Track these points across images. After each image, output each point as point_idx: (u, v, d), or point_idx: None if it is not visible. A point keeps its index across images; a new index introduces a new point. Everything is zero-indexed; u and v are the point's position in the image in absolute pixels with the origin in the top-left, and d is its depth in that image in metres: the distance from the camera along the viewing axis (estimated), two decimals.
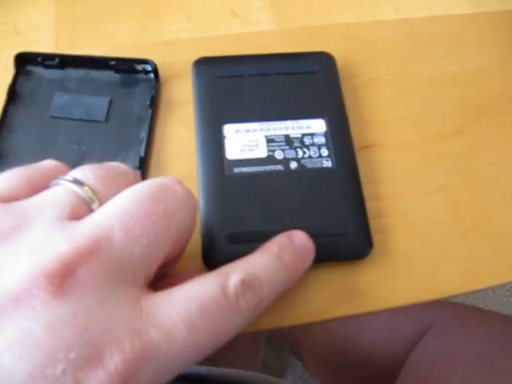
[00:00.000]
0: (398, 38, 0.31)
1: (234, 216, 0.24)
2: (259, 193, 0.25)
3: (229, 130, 0.26)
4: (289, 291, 0.23)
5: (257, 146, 0.26)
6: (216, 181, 0.25)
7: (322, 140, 0.26)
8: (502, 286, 0.26)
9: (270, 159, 0.26)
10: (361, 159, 0.27)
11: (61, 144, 0.26)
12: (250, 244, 0.22)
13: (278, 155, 0.26)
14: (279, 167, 0.25)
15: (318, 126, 0.27)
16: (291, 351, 0.72)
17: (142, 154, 0.26)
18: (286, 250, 0.21)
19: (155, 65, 0.28)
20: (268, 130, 0.26)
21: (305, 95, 0.27)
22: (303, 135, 0.26)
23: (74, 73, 0.28)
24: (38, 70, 0.28)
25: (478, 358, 0.44)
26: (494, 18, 0.33)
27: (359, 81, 0.30)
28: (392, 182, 0.27)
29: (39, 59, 0.28)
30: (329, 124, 0.27)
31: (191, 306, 0.17)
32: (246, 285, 0.18)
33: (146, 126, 0.27)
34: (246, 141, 0.26)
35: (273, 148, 0.26)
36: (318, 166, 0.26)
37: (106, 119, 0.27)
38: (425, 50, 0.31)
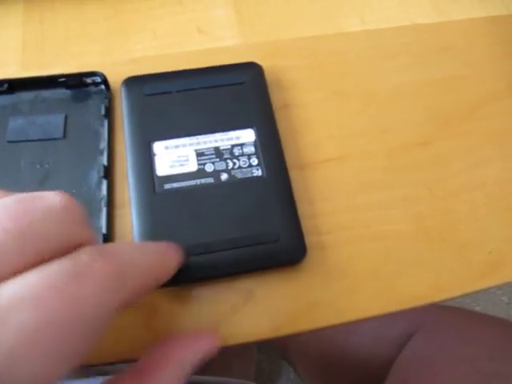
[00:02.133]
0: (364, 49, 0.32)
1: (166, 232, 0.24)
2: (191, 207, 0.25)
3: (158, 147, 0.26)
4: (250, 307, 0.24)
5: (187, 160, 0.26)
6: (147, 198, 0.25)
7: (252, 149, 0.27)
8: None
9: (200, 173, 0.26)
10: (322, 173, 0.27)
11: (23, 167, 0.27)
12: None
13: (209, 168, 0.26)
14: (210, 180, 0.26)
15: (247, 135, 0.27)
16: (281, 355, 0.72)
17: (105, 162, 0.27)
18: None
19: (104, 76, 0.28)
20: (198, 143, 0.27)
21: (233, 106, 0.28)
22: (233, 146, 0.27)
23: (24, 96, 0.29)
24: None
25: (463, 360, 0.44)
26: (461, 27, 0.33)
27: (324, 94, 0.30)
28: (354, 196, 0.27)
29: None
30: (258, 133, 0.27)
31: None
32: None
33: (104, 136, 0.28)
34: (175, 156, 0.26)
35: (203, 161, 0.26)
36: (249, 175, 0.26)
37: (64, 135, 0.28)
38: (391, 60, 0.31)
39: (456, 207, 0.28)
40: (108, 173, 0.27)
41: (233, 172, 0.26)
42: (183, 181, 0.26)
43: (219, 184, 0.26)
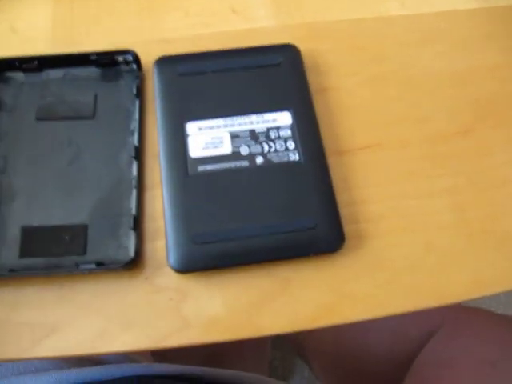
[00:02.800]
0: (403, 34, 0.30)
1: (199, 216, 0.24)
2: (225, 190, 0.24)
3: (192, 127, 0.26)
4: (287, 296, 0.23)
5: (221, 142, 0.25)
6: (180, 180, 0.24)
7: (289, 133, 0.26)
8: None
9: (235, 155, 0.25)
10: (360, 160, 0.26)
11: (52, 146, 0.26)
12: (215, 244, 0.23)
13: (244, 151, 0.25)
14: (245, 163, 0.25)
15: (284, 118, 0.26)
16: (297, 352, 0.71)
17: (136, 143, 0.26)
18: None
19: (136, 54, 0.27)
20: (232, 125, 0.26)
21: (269, 88, 0.27)
22: (269, 129, 0.26)
23: (54, 73, 0.28)
24: (18, 76, 0.28)
25: (485, 362, 0.43)
26: (504, 13, 0.32)
27: (361, 78, 0.29)
28: (393, 184, 0.26)
29: (17, 64, 0.27)
30: (294, 116, 0.26)
31: None
32: None
33: (135, 116, 0.27)
34: (209, 138, 0.25)
35: (238, 144, 0.25)
36: (285, 159, 0.25)
37: (94, 115, 0.27)
38: (430, 46, 0.30)
39: (498, 199, 0.27)
40: (139, 154, 0.26)
41: (269, 156, 0.25)
42: (217, 163, 0.25)
43: (254, 167, 0.25)
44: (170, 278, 0.24)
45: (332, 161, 0.26)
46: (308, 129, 0.26)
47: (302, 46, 0.29)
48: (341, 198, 0.25)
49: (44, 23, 0.30)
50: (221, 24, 0.30)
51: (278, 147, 0.25)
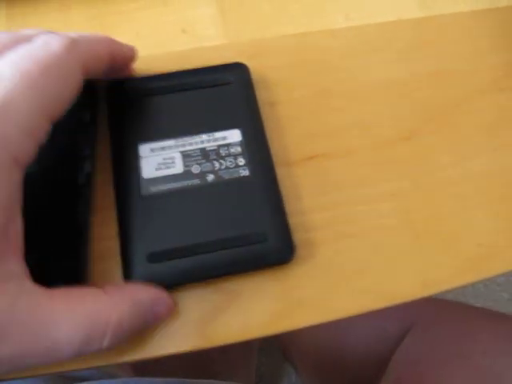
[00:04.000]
0: (349, 46, 0.31)
1: (153, 235, 0.24)
2: (177, 209, 0.25)
3: (144, 149, 0.26)
4: (236, 307, 0.24)
5: (173, 162, 0.26)
6: (133, 201, 0.25)
7: (238, 150, 0.27)
8: (455, 289, 0.26)
9: (186, 174, 0.26)
10: (307, 170, 0.27)
11: None
12: (170, 261, 0.24)
13: (195, 169, 0.26)
14: (196, 181, 0.26)
15: (234, 136, 0.27)
16: (283, 356, 0.72)
17: (90, 169, 0.26)
18: None
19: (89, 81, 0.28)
20: (184, 145, 0.27)
21: (220, 107, 0.28)
22: (219, 147, 0.27)
23: None
24: None
25: (458, 356, 0.44)
26: (446, 22, 0.33)
27: (309, 91, 0.30)
28: (340, 192, 0.27)
29: None
30: (244, 133, 0.27)
31: None
32: None
33: (90, 142, 0.27)
34: (161, 159, 0.26)
35: (189, 163, 0.26)
36: (236, 175, 0.26)
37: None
38: (375, 56, 0.31)
39: (444, 200, 0.28)
40: (90, 180, 0.26)
41: (219, 173, 0.26)
42: (169, 183, 0.26)
43: (206, 185, 0.26)
44: None
45: (281, 172, 0.27)
46: (257, 145, 0.27)
47: (252, 63, 0.30)
48: (291, 208, 0.26)
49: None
50: (171, 44, 0.31)
51: (229, 164, 0.26)
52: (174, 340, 0.24)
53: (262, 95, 0.29)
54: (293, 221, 0.26)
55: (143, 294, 0.22)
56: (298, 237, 0.26)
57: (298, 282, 0.25)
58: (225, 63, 0.29)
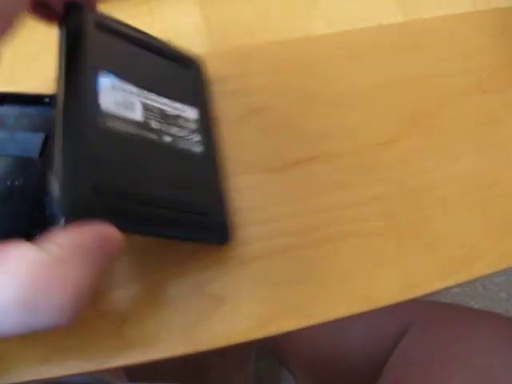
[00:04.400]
0: (331, 52, 0.32)
1: (103, 167, 0.22)
2: (131, 154, 0.24)
3: (105, 82, 0.24)
4: (221, 312, 0.24)
5: (133, 108, 0.25)
6: (87, 128, 0.22)
7: (194, 126, 0.27)
8: (440, 291, 0.26)
9: (145, 125, 0.25)
10: (292, 175, 0.28)
11: None
12: (115, 199, 0.21)
13: (154, 125, 0.25)
14: (153, 136, 0.25)
15: (191, 113, 0.27)
16: (279, 361, 0.72)
17: None
18: None
19: None
20: (145, 98, 0.26)
21: (180, 82, 0.28)
22: (178, 116, 0.27)
23: (9, 110, 0.29)
24: None
25: (454, 357, 0.44)
26: (428, 26, 0.33)
27: (292, 97, 0.30)
28: (326, 196, 0.27)
29: None
30: (200, 115, 0.28)
31: None
32: None
33: None
34: (121, 98, 0.24)
35: (149, 116, 0.25)
36: (189, 148, 0.26)
37: (41, 155, 0.28)
38: (358, 62, 0.32)
39: (427, 203, 0.28)
40: None
41: (176, 139, 0.26)
42: (127, 126, 0.24)
43: (162, 144, 0.25)
44: (111, 302, 0.25)
45: (267, 177, 0.28)
46: (211, 130, 0.28)
47: (235, 69, 0.30)
48: (276, 212, 0.27)
49: None
50: None
51: (185, 135, 0.26)
52: (160, 346, 0.24)
53: (244, 102, 0.30)
54: (277, 225, 0.26)
55: (90, 238, 0.20)
56: (283, 241, 0.26)
57: (282, 287, 0.25)
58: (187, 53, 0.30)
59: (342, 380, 0.56)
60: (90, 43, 0.24)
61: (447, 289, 0.27)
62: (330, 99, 0.30)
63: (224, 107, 0.29)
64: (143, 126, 0.25)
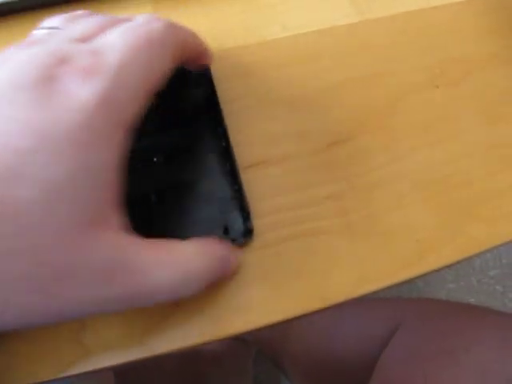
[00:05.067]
0: (286, 56, 0.32)
1: None
2: None
3: None
4: (176, 313, 0.24)
5: None
6: None
7: None
8: (396, 285, 0.27)
9: None
10: (247, 178, 0.28)
11: None
12: None
13: None
14: None
15: None
16: (275, 365, 0.72)
17: None
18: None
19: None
20: None
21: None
22: None
23: None
24: None
25: (443, 353, 0.45)
26: (382, 25, 0.34)
27: (247, 102, 0.31)
28: (279, 198, 0.28)
29: None
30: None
31: None
32: None
33: None
34: None
35: None
36: None
37: None
38: (312, 64, 0.32)
39: (380, 199, 0.28)
40: None
41: None
42: None
43: None
44: None
45: None
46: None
47: None
48: None
49: None
50: None
51: None
52: (117, 352, 0.24)
53: None
54: None
55: (220, 248, 0.24)
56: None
57: (238, 285, 0.26)
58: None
59: (335, 380, 0.57)
60: None
61: (404, 282, 0.27)
62: (283, 102, 0.31)
63: None
64: None
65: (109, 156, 0.20)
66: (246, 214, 0.27)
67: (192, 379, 0.70)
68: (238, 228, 0.27)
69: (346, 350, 0.55)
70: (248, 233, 0.26)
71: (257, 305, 0.26)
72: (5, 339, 0.25)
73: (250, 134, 0.30)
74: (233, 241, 0.26)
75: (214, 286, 0.25)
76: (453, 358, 0.43)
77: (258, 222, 0.27)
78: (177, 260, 0.22)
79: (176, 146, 0.28)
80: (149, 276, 0.20)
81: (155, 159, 0.28)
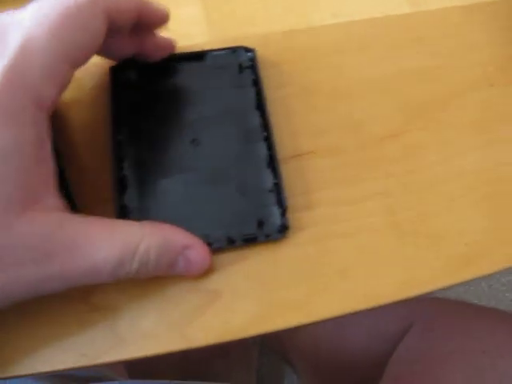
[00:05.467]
0: (336, 43, 0.31)
1: None
2: None
3: None
4: (217, 307, 0.23)
5: None
6: None
7: None
8: (445, 289, 0.26)
9: None
10: (293, 168, 0.27)
11: None
12: None
13: None
14: None
15: None
16: (283, 359, 0.71)
17: None
18: None
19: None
20: None
21: None
22: None
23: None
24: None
25: (456, 353, 0.44)
26: (435, 17, 0.32)
27: (294, 89, 0.29)
28: (326, 191, 0.27)
29: None
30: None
31: None
32: None
33: None
34: None
35: None
36: None
37: None
38: (363, 53, 0.31)
39: (430, 199, 0.27)
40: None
41: None
42: None
43: None
44: (104, 297, 0.24)
45: None
46: None
47: None
48: None
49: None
50: None
51: None
52: (154, 341, 0.23)
53: None
54: None
55: (176, 236, 0.23)
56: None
57: (281, 282, 0.25)
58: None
59: (344, 378, 0.56)
60: None
61: (450, 287, 0.26)
62: (333, 92, 0.30)
63: None
64: None
65: (20, 134, 0.19)
66: (283, 209, 0.25)
67: (197, 367, 0.70)
68: (274, 223, 0.25)
69: (357, 348, 0.55)
70: (284, 229, 0.25)
71: (298, 303, 0.24)
72: (33, 323, 0.24)
73: (294, 123, 0.29)
74: (267, 236, 0.25)
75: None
76: (467, 360, 0.43)
77: (297, 216, 0.26)
78: (119, 239, 0.21)
79: (214, 130, 0.27)
80: (88, 253, 0.20)
81: (191, 144, 0.27)
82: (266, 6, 0.32)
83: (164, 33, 0.30)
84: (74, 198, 0.25)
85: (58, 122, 0.27)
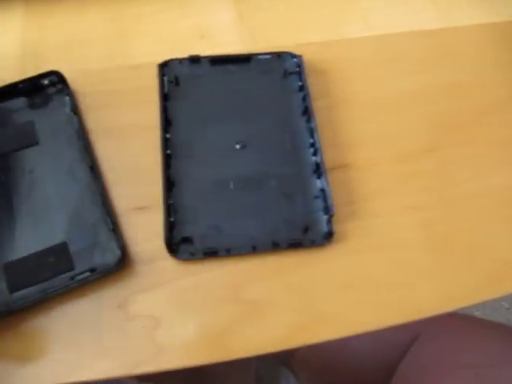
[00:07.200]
0: (369, 55, 0.31)
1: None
2: None
3: None
4: (255, 318, 0.23)
5: None
6: None
7: None
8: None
9: None
10: (332, 179, 0.27)
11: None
12: None
13: None
14: None
15: None
16: (283, 363, 0.71)
17: (90, 163, 0.26)
18: None
19: (61, 74, 0.28)
20: None
21: None
22: None
23: None
24: None
25: (466, 366, 0.44)
26: (466, 33, 0.33)
27: (330, 101, 0.30)
28: (362, 203, 0.27)
29: None
30: None
31: None
32: None
33: (80, 133, 0.27)
34: None
35: None
36: None
37: (38, 141, 0.27)
38: (395, 66, 0.31)
39: (464, 215, 0.27)
40: (94, 170, 0.26)
41: None
42: None
43: None
44: (143, 305, 0.24)
45: None
46: None
47: None
48: None
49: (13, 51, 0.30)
50: (189, 49, 0.30)
51: None
52: (193, 352, 0.23)
53: None
54: None
55: None
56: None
57: (316, 293, 0.25)
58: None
59: None
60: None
61: (483, 303, 0.26)
62: (366, 104, 0.30)
63: None
64: None
65: None
66: (329, 216, 0.25)
67: (197, 368, 0.69)
68: (320, 229, 0.25)
69: (362, 357, 0.55)
70: (329, 235, 0.25)
71: (335, 315, 0.24)
72: (72, 332, 0.23)
73: (332, 134, 0.29)
74: (312, 242, 0.25)
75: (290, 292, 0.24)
76: (476, 372, 0.43)
77: (340, 228, 0.26)
78: None
79: (260, 133, 0.27)
80: None
81: (237, 147, 0.27)
82: (299, 17, 0.32)
83: (199, 40, 0.30)
84: None
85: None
